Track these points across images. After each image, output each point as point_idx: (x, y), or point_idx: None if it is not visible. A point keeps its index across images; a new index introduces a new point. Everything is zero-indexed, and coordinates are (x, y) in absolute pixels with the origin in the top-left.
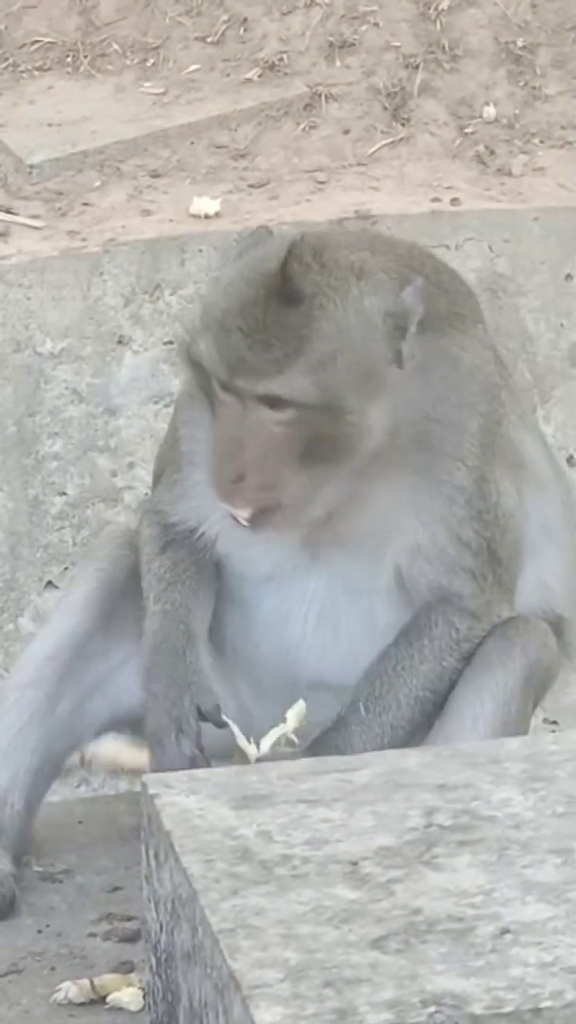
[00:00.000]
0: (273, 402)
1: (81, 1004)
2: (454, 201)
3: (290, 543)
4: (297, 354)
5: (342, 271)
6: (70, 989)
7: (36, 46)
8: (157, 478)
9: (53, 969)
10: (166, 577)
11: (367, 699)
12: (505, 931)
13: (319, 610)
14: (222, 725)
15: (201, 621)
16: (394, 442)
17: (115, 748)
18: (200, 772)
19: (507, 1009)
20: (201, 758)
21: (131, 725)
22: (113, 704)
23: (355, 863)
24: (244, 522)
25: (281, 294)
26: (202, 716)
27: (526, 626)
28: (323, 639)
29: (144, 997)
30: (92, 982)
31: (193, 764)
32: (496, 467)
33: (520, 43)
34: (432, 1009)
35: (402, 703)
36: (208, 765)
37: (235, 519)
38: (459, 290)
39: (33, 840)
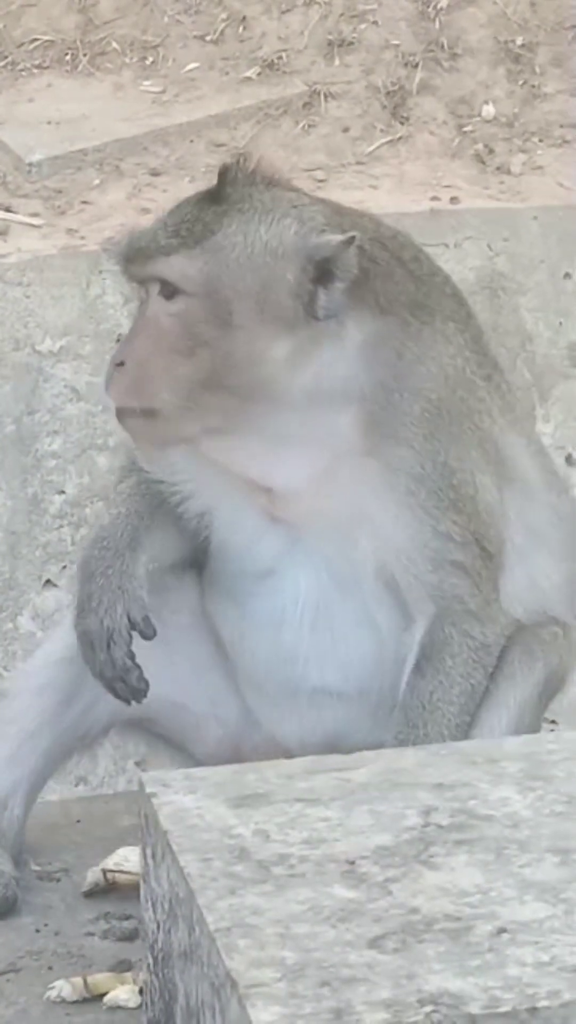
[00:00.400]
0: (168, 291)
1: (77, 1003)
2: (453, 200)
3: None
4: (194, 242)
5: (282, 198)
6: (63, 987)
7: (35, 44)
8: None
9: (50, 968)
10: (125, 492)
11: (411, 739)
12: (502, 930)
13: (314, 612)
14: (151, 636)
15: (154, 534)
16: (337, 416)
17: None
18: (198, 771)
19: (504, 1009)
20: (134, 668)
21: (136, 725)
22: (119, 707)
23: (352, 862)
24: (116, 418)
25: (210, 194)
26: (132, 625)
27: (552, 640)
28: (321, 644)
29: (141, 995)
30: (85, 980)
31: (125, 674)
32: (467, 458)
33: (519, 42)
34: (429, 1008)
35: (445, 735)
36: (143, 678)
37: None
38: (434, 284)
39: (27, 840)
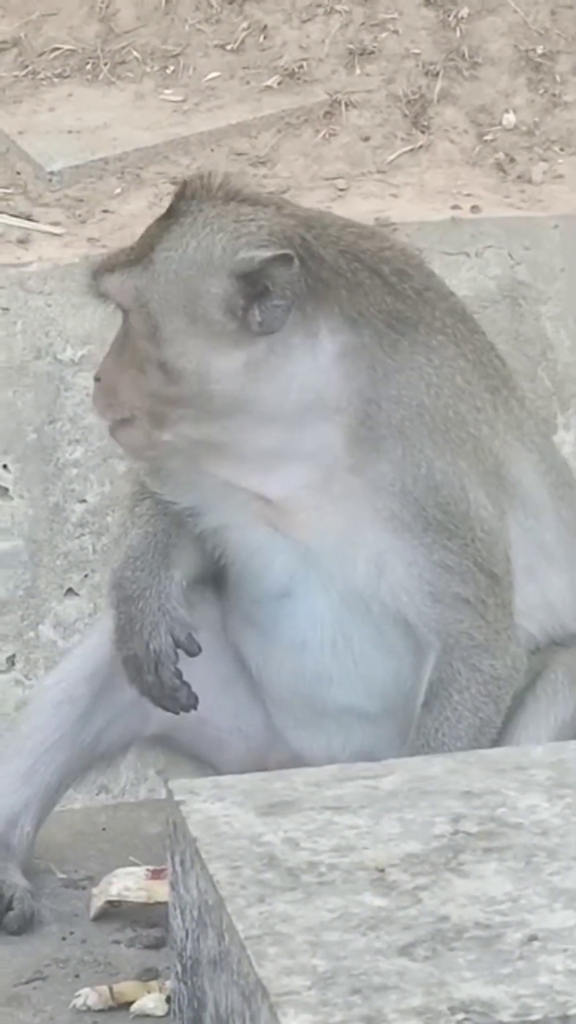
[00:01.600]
0: (121, 309)
1: (104, 1011)
2: (474, 208)
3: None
4: (136, 260)
5: (229, 212)
6: (89, 995)
7: (56, 53)
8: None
9: (77, 976)
10: (147, 513)
11: None
12: (533, 938)
13: (333, 634)
14: (196, 653)
15: (181, 551)
16: (323, 429)
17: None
18: (226, 779)
19: (535, 1016)
20: (183, 687)
21: (158, 741)
22: (141, 724)
23: (382, 870)
24: (108, 431)
25: (167, 210)
26: (177, 644)
27: None
28: (343, 665)
29: (168, 1003)
30: (111, 988)
31: (175, 693)
32: (456, 470)
33: (540, 50)
34: (460, 1016)
35: None
36: (192, 693)
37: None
38: (424, 299)
39: (52, 848)
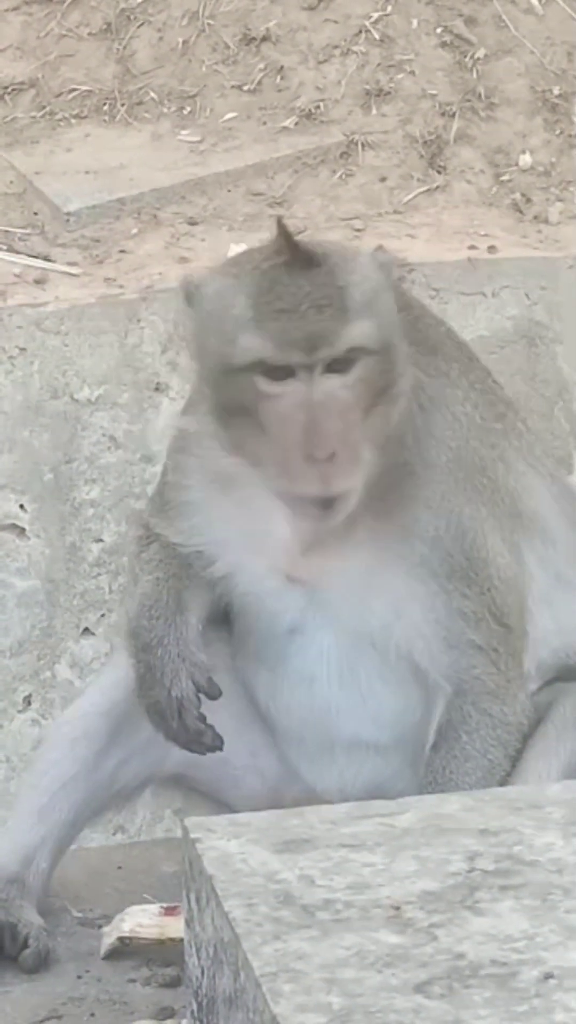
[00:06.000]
0: (342, 365)
1: None
2: (491, 249)
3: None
4: (348, 305)
5: (325, 241)
6: None
7: (73, 94)
8: (150, 500)
9: (92, 1015)
10: (155, 559)
11: None
12: (549, 976)
13: (340, 670)
14: (217, 696)
15: (194, 593)
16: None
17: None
18: (241, 816)
19: None
20: (207, 730)
21: (175, 780)
22: (157, 762)
23: (398, 907)
24: (326, 513)
25: (299, 262)
26: (198, 688)
27: None
28: (351, 699)
29: None
30: None
31: (200, 737)
32: (479, 517)
33: (556, 91)
34: None
35: None
36: (217, 735)
37: (307, 516)
38: (429, 324)
39: (68, 886)
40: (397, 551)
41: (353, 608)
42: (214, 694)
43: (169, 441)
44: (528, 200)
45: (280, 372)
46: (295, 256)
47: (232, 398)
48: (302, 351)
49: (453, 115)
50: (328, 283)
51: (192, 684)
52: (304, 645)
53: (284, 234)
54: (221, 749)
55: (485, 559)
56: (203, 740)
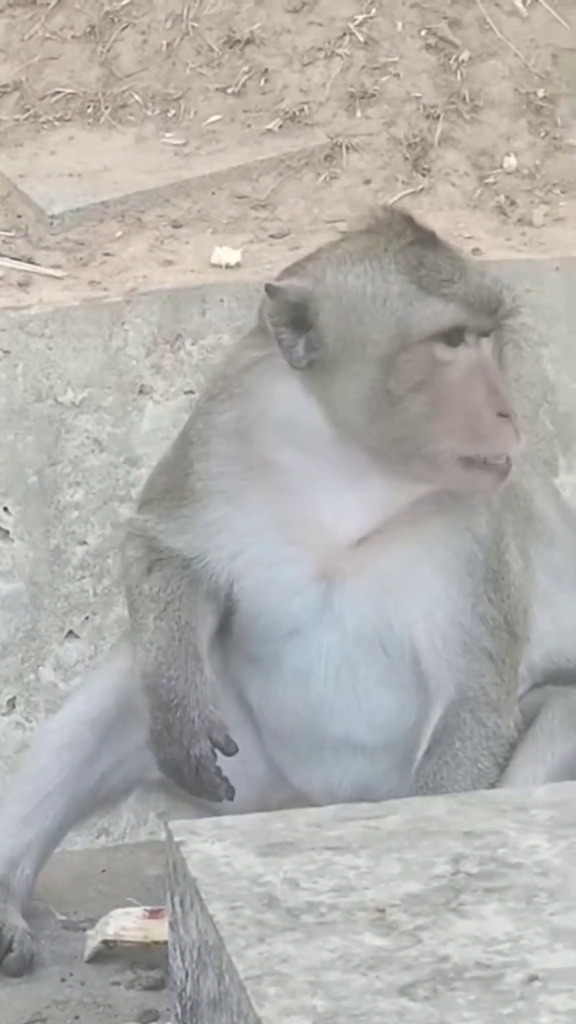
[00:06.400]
0: (503, 331)
1: None
2: (475, 251)
3: (306, 578)
4: (494, 279)
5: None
6: None
7: (57, 97)
8: (148, 503)
9: (77, 1018)
10: (162, 597)
11: None
12: (533, 978)
13: (338, 668)
14: (233, 753)
15: (204, 642)
16: None
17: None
18: (226, 819)
19: None
20: (222, 784)
21: (161, 785)
22: (143, 769)
23: (382, 910)
24: (499, 474)
25: (433, 238)
26: (214, 744)
27: None
28: (346, 698)
29: None
30: None
31: (214, 789)
32: (507, 522)
33: (541, 94)
34: None
35: None
36: (231, 787)
37: (495, 475)
38: None
39: (52, 890)
40: (437, 548)
41: (374, 605)
42: (231, 751)
43: (187, 435)
44: (513, 203)
45: (455, 339)
46: (434, 236)
47: (403, 375)
48: (486, 314)
49: (437, 118)
50: (461, 255)
51: (210, 743)
52: (304, 643)
53: (405, 215)
54: (232, 800)
55: (508, 565)
56: (218, 793)
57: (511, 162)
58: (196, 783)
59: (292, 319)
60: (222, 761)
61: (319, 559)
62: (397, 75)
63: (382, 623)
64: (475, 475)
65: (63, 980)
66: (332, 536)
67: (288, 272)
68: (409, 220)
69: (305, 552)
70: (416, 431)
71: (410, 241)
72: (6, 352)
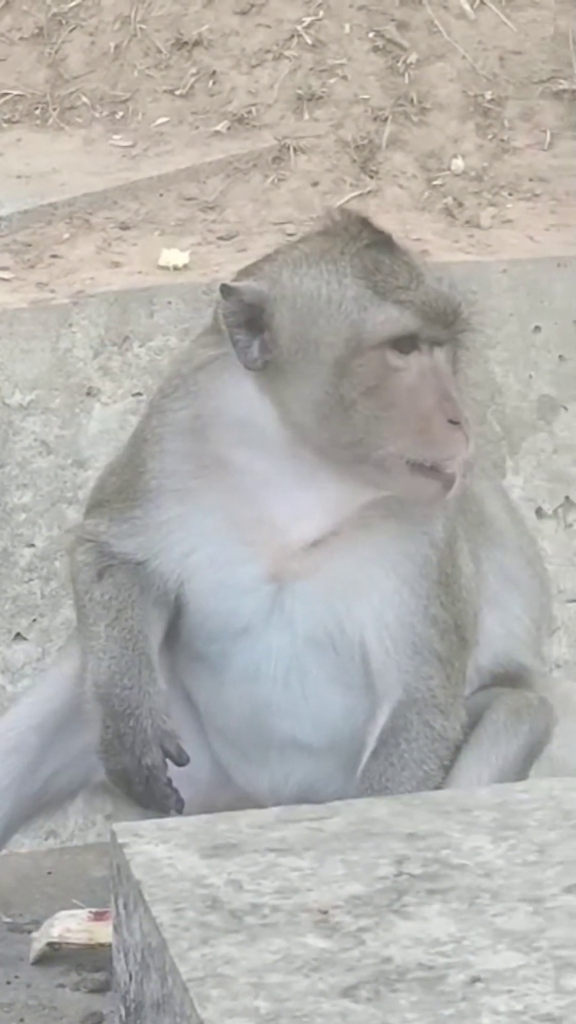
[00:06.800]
0: (456, 339)
1: None
2: (423, 253)
3: (257, 578)
4: (451, 285)
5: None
6: None
7: (4, 99)
8: (98, 506)
9: (22, 1020)
10: (113, 604)
11: None
12: (476, 979)
13: (286, 667)
14: (185, 763)
15: (155, 650)
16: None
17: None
18: (169, 821)
19: None
20: (172, 794)
21: (106, 787)
22: (89, 772)
23: (325, 912)
24: (447, 483)
25: (390, 242)
26: (166, 754)
27: (540, 705)
28: (293, 697)
29: None
30: None
31: (165, 800)
32: (461, 527)
33: (488, 96)
34: None
35: None
36: (180, 798)
37: (442, 486)
38: None
39: None
40: (391, 551)
41: (326, 606)
42: (183, 761)
43: (140, 434)
44: (460, 205)
45: (407, 346)
46: (390, 240)
47: (355, 379)
48: (440, 324)
49: (385, 120)
50: (417, 261)
51: (162, 752)
52: (253, 643)
53: (362, 218)
54: (181, 812)
55: (461, 568)
56: (167, 804)
57: (459, 164)
58: (146, 794)
59: (247, 320)
60: (169, 765)
61: (271, 560)
62: (345, 77)
63: (333, 624)
64: (423, 482)
65: (8, 983)
66: (285, 537)
67: (244, 273)
68: (366, 223)
69: (258, 552)
70: (367, 435)
71: (366, 244)
72: None
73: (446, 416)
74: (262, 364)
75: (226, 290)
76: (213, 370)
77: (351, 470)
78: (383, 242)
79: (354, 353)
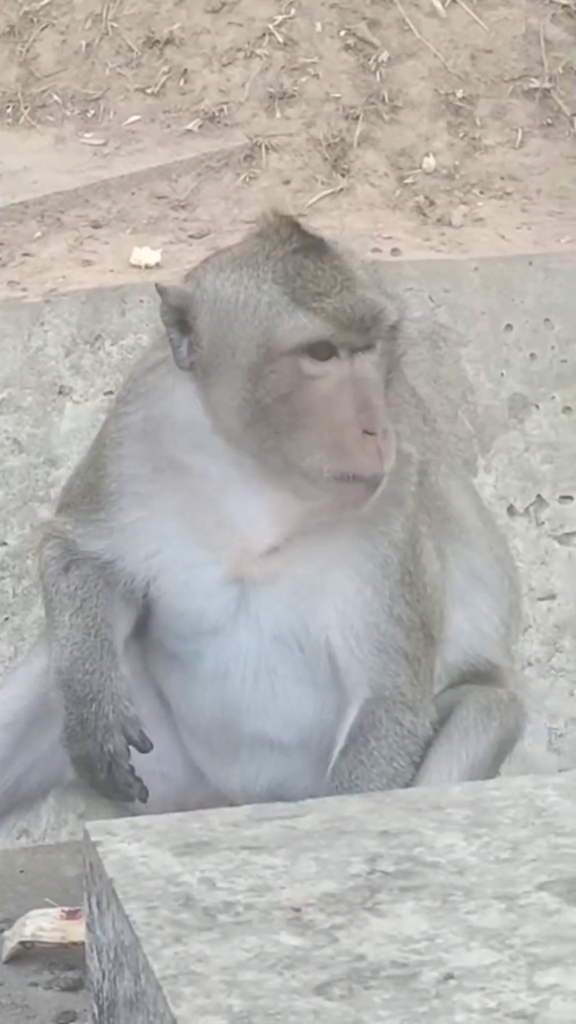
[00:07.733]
0: (376, 342)
1: None
2: (394, 251)
3: (221, 581)
4: (376, 285)
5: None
6: None
7: None
8: (66, 507)
9: None
10: (78, 594)
11: None
12: (449, 977)
13: (256, 666)
14: (148, 750)
15: (119, 638)
16: None
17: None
18: (142, 819)
19: None
20: (136, 783)
21: (78, 785)
22: (60, 771)
23: (298, 909)
24: (367, 490)
25: (321, 247)
26: (129, 741)
27: (510, 701)
28: (262, 695)
29: None
30: None
31: (128, 789)
32: (423, 523)
33: (459, 94)
34: None
35: None
36: (144, 787)
37: (359, 495)
38: None
39: None
40: (352, 552)
41: (290, 608)
42: (146, 748)
43: (101, 438)
44: (431, 203)
45: (324, 353)
46: (318, 243)
47: (269, 386)
48: (356, 331)
49: (357, 118)
50: (348, 266)
51: (125, 738)
52: (222, 643)
53: (292, 222)
54: (145, 801)
55: (425, 567)
56: (130, 793)
57: (430, 162)
58: (109, 782)
59: (177, 320)
60: (141, 762)
61: (233, 563)
62: (316, 75)
63: (298, 625)
64: (345, 488)
65: None
66: (245, 541)
67: (187, 274)
68: (296, 227)
69: (220, 556)
70: (286, 443)
71: (294, 249)
72: None
73: (361, 426)
74: (189, 365)
75: (158, 289)
76: (161, 371)
77: (281, 477)
78: (312, 247)
79: (266, 359)
